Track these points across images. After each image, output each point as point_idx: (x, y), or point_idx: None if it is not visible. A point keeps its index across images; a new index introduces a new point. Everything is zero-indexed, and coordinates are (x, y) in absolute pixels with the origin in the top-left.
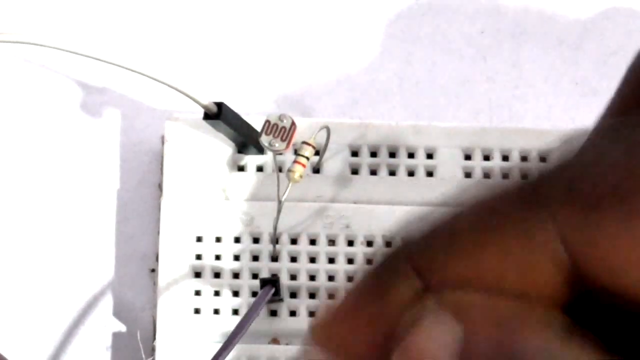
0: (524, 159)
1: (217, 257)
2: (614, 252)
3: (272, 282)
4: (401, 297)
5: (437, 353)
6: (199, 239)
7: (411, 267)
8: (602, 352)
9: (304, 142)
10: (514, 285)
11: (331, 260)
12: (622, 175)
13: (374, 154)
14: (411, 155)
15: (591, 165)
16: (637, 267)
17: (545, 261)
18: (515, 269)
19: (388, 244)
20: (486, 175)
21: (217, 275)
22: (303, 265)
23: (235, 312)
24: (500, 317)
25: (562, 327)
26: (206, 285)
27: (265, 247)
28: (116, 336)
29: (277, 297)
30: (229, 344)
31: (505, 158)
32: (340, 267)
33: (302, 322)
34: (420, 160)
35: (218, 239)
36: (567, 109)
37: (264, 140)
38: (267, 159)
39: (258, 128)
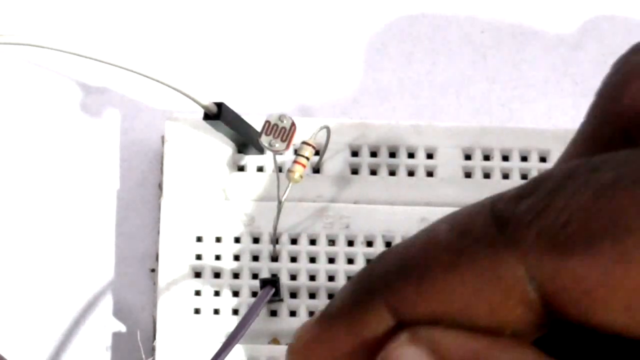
0: (524, 159)
1: (217, 257)
2: (581, 293)
3: (272, 282)
4: (374, 333)
5: None
6: (199, 239)
7: (384, 303)
8: None
9: (304, 142)
10: (486, 322)
11: (331, 260)
12: (589, 218)
13: (374, 154)
14: (411, 155)
15: (560, 208)
16: (601, 306)
17: (515, 301)
18: (486, 307)
19: (388, 244)
20: (486, 175)
21: (217, 275)
22: (303, 265)
23: (235, 312)
24: (476, 355)
25: None
26: (206, 285)
27: (265, 247)
28: (116, 336)
29: (277, 297)
30: (229, 344)
31: (505, 158)
32: (340, 267)
33: (302, 322)
34: (420, 160)
35: (218, 239)
36: (567, 109)
37: (264, 140)
38: (267, 159)
39: (258, 128)
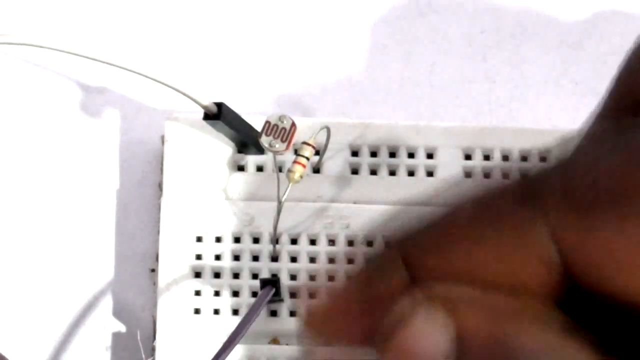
0: (524, 159)
1: (217, 257)
2: (605, 256)
3: (272, 282)
4: (389, 289)
5: (428, 351)
6: (199, 239)
7: (402, 258)
8: (599, 351)
9: (304, 142)
10: (505, 282)
11: (331, 260)
12: (616, 180)
13: (374, 154)
14: (411, 155)
15: (587, 169)
16: (627, 271)
17: (537, 261)
18: (507, 267)
19: (387, 244)
20: (486, 175)
21: (217, 275)
22: (303, 265)
23: (235, 312)
24: (495, 313)
25: (559, 325)
26: (206, 285)
27: (265, 247)
28: (116, 336)
29: (277, 297)
30: (229, 344)
31: (505, 158)
32: (340, 267)
33: (302, 322)
34: (420, 160)
35: (218, 239)
36: (567, 109)
37: (264, 140)
38: (267, 159)
39: (258, 128)
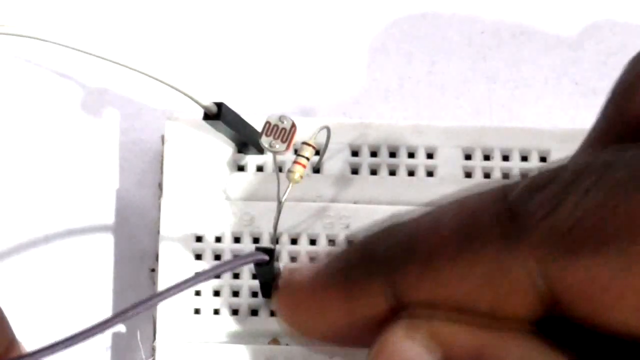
0: (524, 159)
1: (217, 257)
2: (594, 293)
3: (267, 250)
4: (370, 312)
5: None
6: (199, 239)
7: (384, 280)
8: None
9: (304, 143)
10: (487, 309)
11: None
12: (602, 218)
13: (374, 154)
14: (411, 155)
15: (573, 205)
16: (616, 306)
17: (521, 294)
18: (490, 298)
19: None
20: (486, 175)
21: (217, 275)
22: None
23: (235, 312)
24: (478, 332)
25: (540, 343)
26: (206, 285)
27: None
28: (116, 336)
29: (267, 265)
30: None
31: (505, 158)
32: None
33: None
34: (420, 160)
35: (218, 239)
36: (567, 109)
37: (264, 141)
38: (267, 159)
39: (258, 128)
